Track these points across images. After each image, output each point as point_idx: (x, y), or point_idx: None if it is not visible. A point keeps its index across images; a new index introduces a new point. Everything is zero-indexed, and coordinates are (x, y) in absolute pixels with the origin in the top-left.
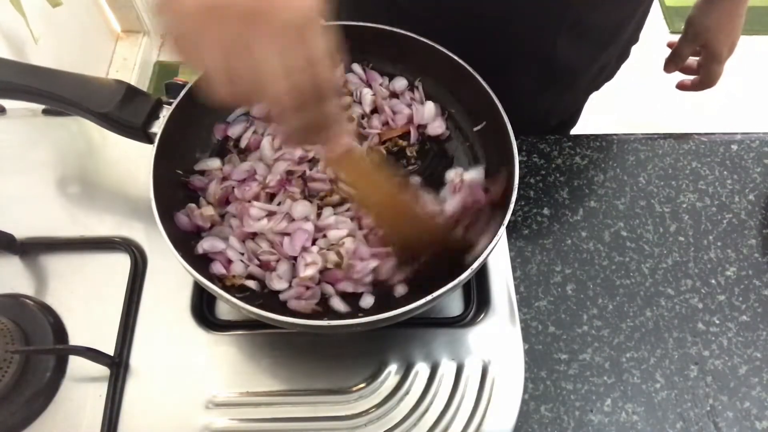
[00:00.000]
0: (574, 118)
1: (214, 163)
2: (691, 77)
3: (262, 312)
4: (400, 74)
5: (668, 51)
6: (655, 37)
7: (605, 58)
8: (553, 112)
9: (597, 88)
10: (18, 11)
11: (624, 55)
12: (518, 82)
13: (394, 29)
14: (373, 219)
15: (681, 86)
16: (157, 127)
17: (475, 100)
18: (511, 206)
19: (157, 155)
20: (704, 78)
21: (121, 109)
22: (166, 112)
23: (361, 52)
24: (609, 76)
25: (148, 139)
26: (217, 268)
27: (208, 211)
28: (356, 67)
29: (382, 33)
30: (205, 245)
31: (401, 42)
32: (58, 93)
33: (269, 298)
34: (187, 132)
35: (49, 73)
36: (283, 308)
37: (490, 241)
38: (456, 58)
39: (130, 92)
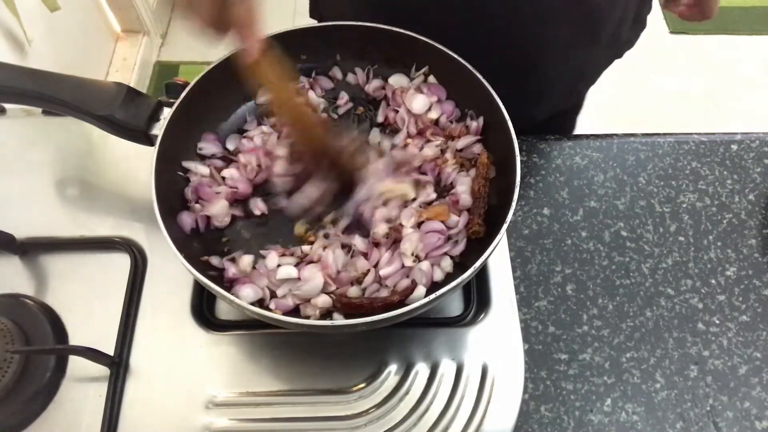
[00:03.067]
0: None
1: (203, 169)
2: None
3: (264, 312)
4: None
5: (666, 51)
6: (655, 37)
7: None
8: (582, 74)
9: (619, 54)
10: (12, 12)
11: (639, 22)
12: (552, 34)
13: (393, 28)
14: (285, 124)
15: (682, 15)
16: (158, 129)
17: (475, 98)
18: (512, 206)
19: (158, 157)
20: (704, 8)
21: (122, 112)
22: (166, 114)
23: (360, 52)
24: (628, 41)
25: (149, 141)
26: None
27: (245, 261)
28: (359, 71)
29: (380, 33)
30: (245, 292)
31: (400, 41)
32: (59, 96)
33: None
34: (187, 133)
35: (49, 77)
36: None
37: (491, 242)
38: (457, 56)
39: (131, 94)
